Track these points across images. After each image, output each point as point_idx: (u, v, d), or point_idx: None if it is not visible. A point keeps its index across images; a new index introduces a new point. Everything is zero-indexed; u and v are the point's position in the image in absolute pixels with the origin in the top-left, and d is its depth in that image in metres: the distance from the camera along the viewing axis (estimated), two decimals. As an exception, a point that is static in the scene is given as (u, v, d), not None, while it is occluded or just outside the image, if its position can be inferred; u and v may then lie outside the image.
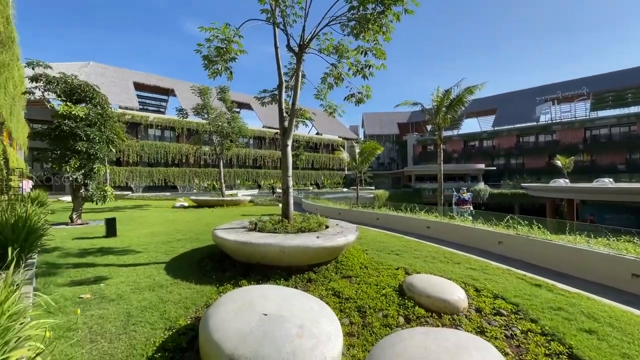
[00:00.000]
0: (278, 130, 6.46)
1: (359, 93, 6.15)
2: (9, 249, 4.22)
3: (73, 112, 10.34)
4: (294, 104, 6.18)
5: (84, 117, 10.59)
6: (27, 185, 17.79)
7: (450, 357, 2.18)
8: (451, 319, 3.50)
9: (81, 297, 4.02)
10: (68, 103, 10.61)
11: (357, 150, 21.60)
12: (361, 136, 62.86)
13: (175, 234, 8.58)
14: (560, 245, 6.46)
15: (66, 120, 10.37)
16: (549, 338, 3.12)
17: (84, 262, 5.79)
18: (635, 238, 6.17)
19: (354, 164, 21.79)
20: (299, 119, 7.62)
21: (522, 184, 30.35)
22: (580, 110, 41.71)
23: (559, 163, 30.44)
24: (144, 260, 5.92)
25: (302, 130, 52.12)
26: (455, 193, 22.10)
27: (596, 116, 39.28)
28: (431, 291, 3.83)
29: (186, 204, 18.82)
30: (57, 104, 11.13)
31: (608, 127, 37.19)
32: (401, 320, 3.52)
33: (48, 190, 20.72)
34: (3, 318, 1.97)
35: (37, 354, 1.82)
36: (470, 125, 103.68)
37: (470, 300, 3.99)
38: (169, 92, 43.50)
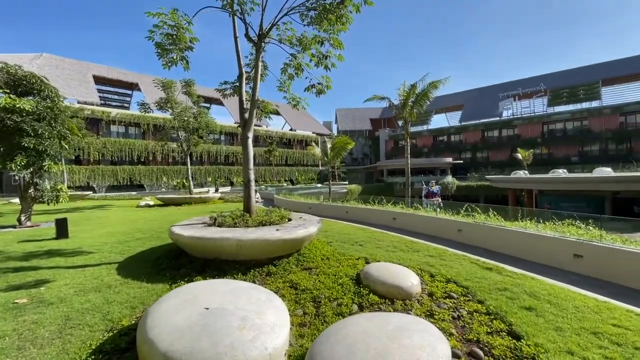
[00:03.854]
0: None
1: (319, 84, 6.10)
2: None
3: (18, 105, 9.53)
4: (253, 95, 6.03)
5: (30, 110, 9.80)
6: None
7: (389, 339, 2.21)
8: (403, 304, 3.57)
9: (16, 302, 3.71)
10: (11, 95, 9.76)
11: (329, 146, 21.71)
12: (335, 132, 63.03)
13: (135, 233, 8.18)
14: (512, 230, 6.83)
15: (10, 115, 9.54)
16: (492, 317, 3.26)
17: (26, 265, 5.38)
18: (577, 221, 6.63)
19: (326, 159, 21.88)
20: (262, 112, 7.44)
21: (486, 176, 31.78)
22: (539, 106, 44.29)
23: (519, 156, 32.29)
24: (95, 261, 5.59)
25: (276, 126, 51.55)
26: (424, 186, 22.69)
27: (553, 112, 41.86)
28: (386, 278, 3.88)
29: (152, 203, 18.04)
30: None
31: (563, 122, 39.68)
32: (355, 308, 3.54)
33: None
34: None
35: None
36: (439, 121, 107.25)
37: (424, 285, 4.09)
38: (133, 86, 41.31)
